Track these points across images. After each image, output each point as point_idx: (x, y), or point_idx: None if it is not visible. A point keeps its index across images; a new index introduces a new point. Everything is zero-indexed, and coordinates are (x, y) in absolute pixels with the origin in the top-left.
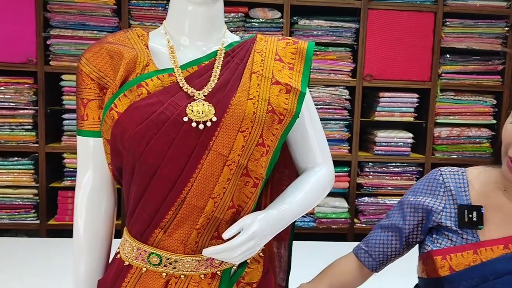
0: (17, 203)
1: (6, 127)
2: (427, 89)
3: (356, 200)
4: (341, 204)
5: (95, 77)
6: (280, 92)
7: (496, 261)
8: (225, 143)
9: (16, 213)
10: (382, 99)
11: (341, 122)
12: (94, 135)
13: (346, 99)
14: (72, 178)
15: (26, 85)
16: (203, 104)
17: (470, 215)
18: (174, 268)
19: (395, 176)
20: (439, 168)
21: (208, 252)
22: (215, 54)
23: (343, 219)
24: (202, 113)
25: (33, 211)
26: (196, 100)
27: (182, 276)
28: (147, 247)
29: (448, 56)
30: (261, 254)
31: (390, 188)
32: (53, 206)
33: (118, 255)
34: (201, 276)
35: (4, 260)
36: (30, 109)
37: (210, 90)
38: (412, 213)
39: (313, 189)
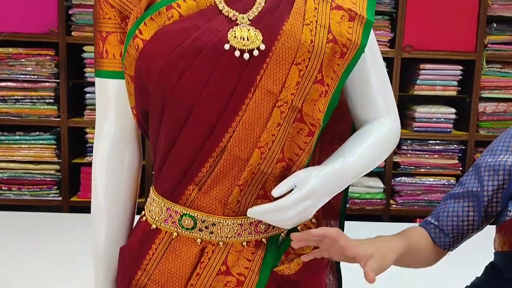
0: (39, 179)
1: (27, 100)
2: (472, 61)
3: (393, 180)
4: (376, 184)
5: (115, 3)
6: (342, 19)
7: None
8: (275, 79)
9: (38, 189)
10: (422, 71)
11: None
12: (115, 76)
13: None
14: None
15: (47, 57)
16: (249, 30)
17: None
18: (211, 233)
19: (435, 154)
20: None
21: (254, 212)
22: None
23: (378, 200)
24: (248, 40)
25: (55, 187)
26: (239, 25)
27: (220, 243)
28: (179, 207)
29: (494, 25)
30: (314, 220)
31: (430, 167)
32: (76, 183)
33: (144, 218)
34: (243, 243)
35: (27, 234)
36: (52, 81)
37: (256, 13)
38: (491, 176)
39: (376, 143)
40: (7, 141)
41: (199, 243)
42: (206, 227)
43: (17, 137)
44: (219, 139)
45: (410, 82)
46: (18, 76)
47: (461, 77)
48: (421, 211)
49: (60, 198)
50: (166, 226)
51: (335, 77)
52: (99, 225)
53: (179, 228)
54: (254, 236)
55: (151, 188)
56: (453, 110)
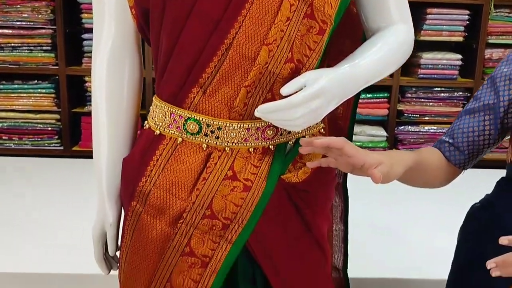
0: (40, 128)
1: (24, 47)
2: (479, 5)
3: (396, 129)
4: (379, 132)
5: None
6: None
7: None
8: None
9: (39, 139)
10: (429, 16)
11: None
12: None
13: None
14: None
15: (43, 3)
16: None
17: None
18: (217, 138)
19: (440, 102)
20: None
21: (262, 109)
22: None
23: (381, 149)
24: None
25: (56, 137)
26: None
27: (226, 148)
28: (183, 111)
29: None
30: (322, 130)
31: (434, 115)
32: (77, 132)
33: (147, 126)
34: (250, 150)
35: (31, 178)
36: (48, 28)
37: None
38: (507, 85)
39: (389, 48)
40: (5, 90)
41: (204, 149)
42: (212, 132)
43: (16, 86)
44: (224, 35)
45: (416, 27)
46: (14, 23)
47: (468, 22)
48: None
49: (61, 148)
50: (170, 131)
51: None
52: (101, 137)
53: (184, 133)
54: (261, 143)
55: (153, 97)
56: (459, 57)
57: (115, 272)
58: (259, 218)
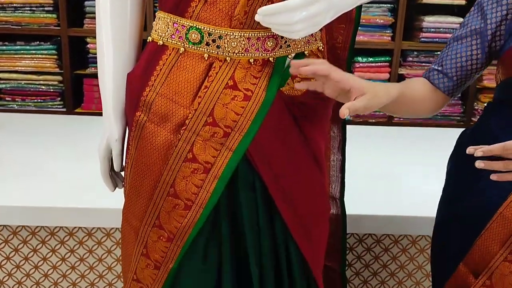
0: (42, 89)
1: (26, 8)
2: None
3: None
4: None
5: None
6: None
7: None
8: None
9: (42, 100)
10: None
11: (384, 6)
12: None
13: None
14: (96, 65)
15: None
16: None
17: None
18: (218, 47)
19: None
20: None
21: (262, 10)
22: None
23: (382, 113)
24: None
25: (59, 98)
26: None
27: (227, 58)
28: (185, 20)
29: None
30: (321, 48)
31: None
32: (79, 94)
33: (150, 39)
34: (250, 61)
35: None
36: None
37: None
38: (494, 8)
39: None
40: (8, 51)
41: (206, 58)
42: (213, 41)
43: (18, 47)
44: None
45: None
46: None
47: None
48: (424, 123)
49: (64, 109)
50: (173, 41)
51: None
52: (105, 54)
53: (186, 43)
54: (262, 54)
55: (156, 13)
56: (462, 20)
57: (116, 206)
58: (259, 128)
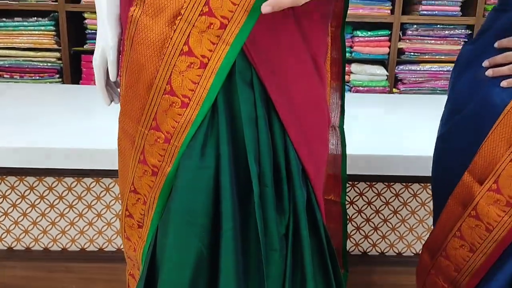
0: (41, 66)
1: None
2: None
3: (396, 68)
4: (380, 71)
5: None
6: None
7: None
8: None
9: (40, 78)
10: None
11: None
12: None
13: None
14: (94, 41)
15: None
16: None
17: None
18: None
19: (441, 40)
20: None
21: None
22: None
23: (381, 88)
24: None
25: (57, 76)
26: None
27: None
28: None
29: None
30: None
31: (434, 54)
32: (78, 71)
33: None
34: None
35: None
36: None
37: None
38: None
39: None
40: (5, 28)
41: None
42: None
43: (16, 23)
44: None
45: None
46: None
47: None
48: (424, 99)
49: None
50: None
51: None
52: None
53: None
54: None
55: None
56: None
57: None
58: (256, 21)
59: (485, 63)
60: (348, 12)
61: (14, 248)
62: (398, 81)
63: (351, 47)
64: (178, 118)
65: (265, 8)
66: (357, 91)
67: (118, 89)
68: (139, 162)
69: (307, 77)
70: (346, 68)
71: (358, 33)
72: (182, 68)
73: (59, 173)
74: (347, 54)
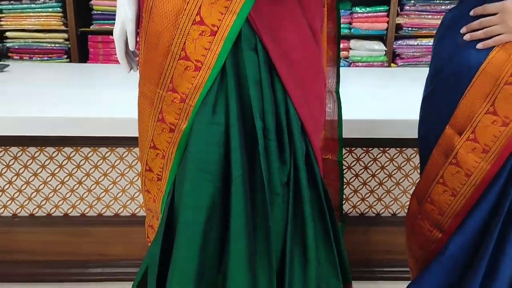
0: (49, 47)
1: None
2: None
3: (394, 43)
4: (378, 47)
5: None
6: None
7: None
8: None
9: (49, 58)
10: None
11: None
12: None
13: None
14: (100, 22)
15: None
16: None
17: None
18: None
19: (438, 15)
20: None
21: None
22: None
23: (380, 63)
24: None
25: (65, 56)
26: None
27: None
28: None
29: None
30: None
31: (432, 29)
32: (85, 51)
33: None
34: None
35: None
36: None
37: None
38: None
39: None
40: (14, 10)
41: None
42: None
43: (24, 5)
44: None
45: None
46: None
47: None
48: (421, 72)
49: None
50: None
51: None
52: None
53: None
54: None
55: None
56: None
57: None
58: None
59: (463, 30)
60: None
61: (35, 215)
62: (396, 56)
63: (350, 23)
64: (192, 80)
65: None
66: (356, 67)
67: (136, 58)
68: (158, 120)
69: (305, 42)
70: (346, 44)
71: (357, 9)
72: (194, 36)
73: (76, 144)
74: (347, 31)
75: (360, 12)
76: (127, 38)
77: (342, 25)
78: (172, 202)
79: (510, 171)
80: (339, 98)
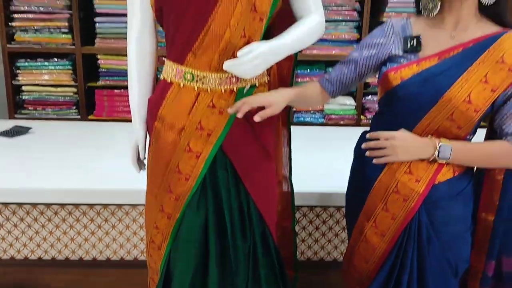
0: (60, 100)
1: (45, 30)
2: None
3: (363, 99)
4: (349, 102)
5: None
6: None
7: (432, 67)
8: None
9: (59, 109)
10: (390, 0)
11: (351, 23)
12: None
13: (356, 1)
14: (106, 78)
15: None
16: None
17: (412, 43)
18: (203, 83)
19: None
20: (391, 18)
21: (227, 64)
22: None
23: (350, 116)
24: None
25: (74, 107)
26: None
27: (208, 89)
28: (183, 67)
29: None
30: (266, 81)
31: None
32: (91, 103)
33: (162, 77)
34: (222, 90)
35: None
36: (66, 13)
37: None
38: (367, 48)
39: (306, 30)
40: (30, 67)
41: (196, 90)
42: (200, 79)
43: (39, 63)
44: (206, 20)
45: (379, 10)
46: (36, 8)
47: None
48: None
49: (78, 117)
50: (176, 80)
51: None
52: (134, 84)
53: (184, 80)
54: (229, 86)
55: (165, 60)
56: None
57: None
58: (229, 131)
59: (363, 145)
60: (323, 52)
61: (56, 258)
62: (365, 110)
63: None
64: (184, 187)
65: (239, 115)
66: (330, 119)
67: (145, 161)
68: (159, 211)
69: (261, 159)
70: None
71: (330, 69)
72: (185, 158)
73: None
74: None
75: None
76: (138, 149)
77: None
78: (168, 265)
79: (399, 249)
80: (291, 183)
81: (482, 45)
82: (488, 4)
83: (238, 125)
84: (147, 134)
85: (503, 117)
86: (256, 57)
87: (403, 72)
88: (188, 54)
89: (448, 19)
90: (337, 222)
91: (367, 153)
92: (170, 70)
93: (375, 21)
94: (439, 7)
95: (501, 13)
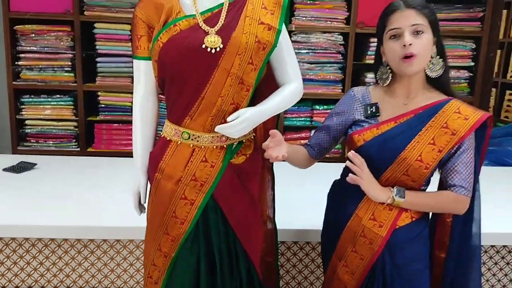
0: (61, 133)
1: (49, 69)
2: None
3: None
4: None
5: (145, 19)
6: (264, 30)
7: (390, 130)
8: (228, 62)
9: (60, 142)
10: (372, 44)
11: (336, 65)
12: (144, 59)
13: (340, 44)
14: (105, 113)
15: (64, 32)
16: (214, 37)
17: (372, 109)
18: (198, 141)
19: None
20: (352, 88)
21: (218, 128)
22: (222, 5)
23: (336, 149)
24: (214, 42)
25: (74, 140)
26: (210, 34)
27: (202, 146)
28: (181, 128)
29: (432, 5)
30: (252, 138)
31: None
32: (91, 136)
33: (163, 135)
34: (214, 147)
35: (57, 174)
36: (69, 53)
37: (219, 27)
38: (336, 116)
39: (287, 96)
40: (33, 103)
41: (191, 146)
42: (195, 138)
43: (42, 99)
44: (201, 92)
45: (363, 53)
46: (41, 48)
47: None
48: None
49: (78, 149)
50: (175, 138)
51: (260, 60)
52: (137, 139)
53: (181, 139)
54: (220, 143)
55: (166, 120)
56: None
57: (140, 224)
58: (219, 181)
59: (348, 179)
60: (310, 91)
61: (57, 287)
62: None
63: (311, 117)
64: (179, 230)
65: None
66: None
67: (145, 205)
68: (157, 250)
69: (247, 206)
70: (308, 134)
71: (317, 107)
72: (181, 205)
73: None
74: (309, 123)
75: (319, 110)
76: (140, 194)
77: (305, 118)
78: None
79: (366, 286)
80: (275, 223)
81: (429, 112)
82: (434, 76)
83: (227, 176)
84: (148, 182)
85: (448, 172)
86: (243, 121)
87: (365, 135)
88: (186, 118)
89: (400, 90)
90: (319, 255)
91: (348, 179)
92: (169, 129)
93: (358, 63)
94: (390, 78)
95: (445, 84)
